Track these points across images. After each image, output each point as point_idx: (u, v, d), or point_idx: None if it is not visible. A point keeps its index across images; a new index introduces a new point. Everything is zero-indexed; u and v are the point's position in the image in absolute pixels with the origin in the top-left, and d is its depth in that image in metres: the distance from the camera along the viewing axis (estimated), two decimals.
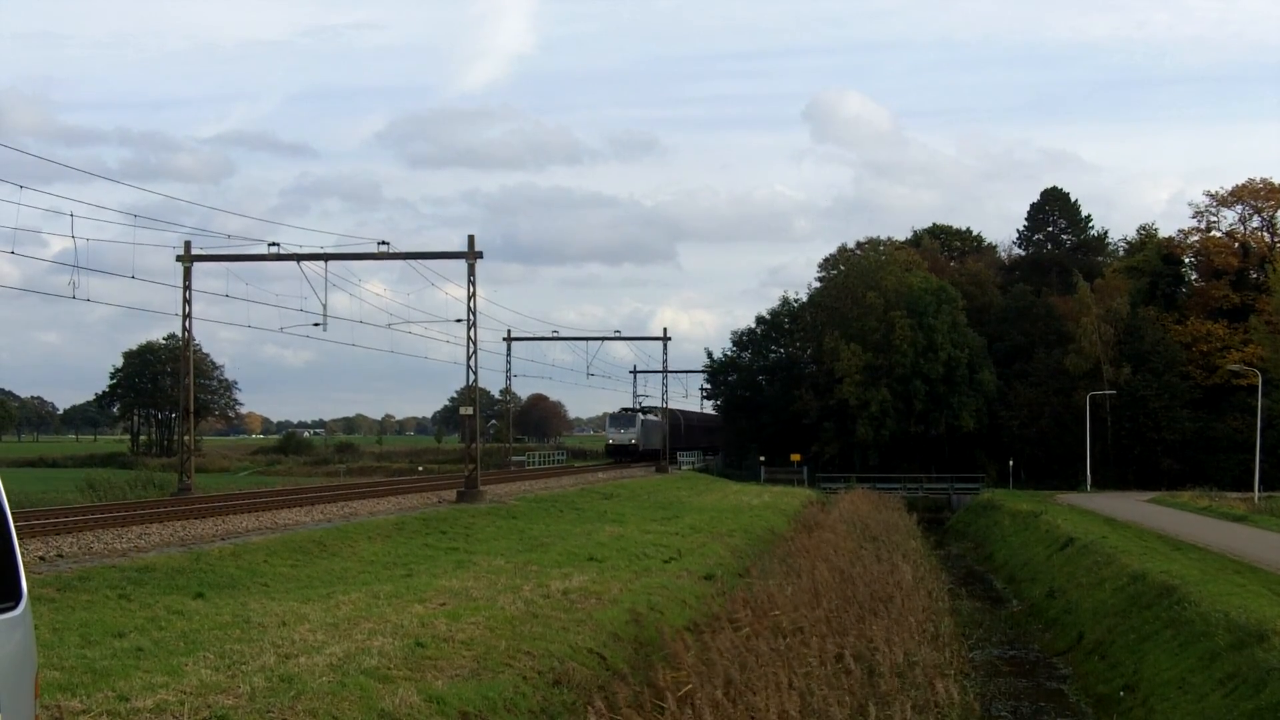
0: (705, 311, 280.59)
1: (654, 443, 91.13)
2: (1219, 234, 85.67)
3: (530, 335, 78.72)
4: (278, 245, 43.16)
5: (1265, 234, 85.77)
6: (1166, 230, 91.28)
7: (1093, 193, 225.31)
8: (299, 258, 43.37)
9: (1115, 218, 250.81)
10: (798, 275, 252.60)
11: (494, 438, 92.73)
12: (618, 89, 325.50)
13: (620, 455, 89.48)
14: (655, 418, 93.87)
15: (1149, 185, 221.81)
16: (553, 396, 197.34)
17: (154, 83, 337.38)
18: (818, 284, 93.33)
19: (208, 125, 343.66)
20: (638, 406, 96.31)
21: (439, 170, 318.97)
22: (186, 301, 43.76)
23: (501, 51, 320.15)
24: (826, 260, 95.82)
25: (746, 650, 16.32)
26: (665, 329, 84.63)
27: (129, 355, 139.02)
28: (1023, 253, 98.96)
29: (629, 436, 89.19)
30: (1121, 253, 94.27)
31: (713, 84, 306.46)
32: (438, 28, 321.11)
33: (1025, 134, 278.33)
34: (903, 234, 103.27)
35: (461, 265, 45.29)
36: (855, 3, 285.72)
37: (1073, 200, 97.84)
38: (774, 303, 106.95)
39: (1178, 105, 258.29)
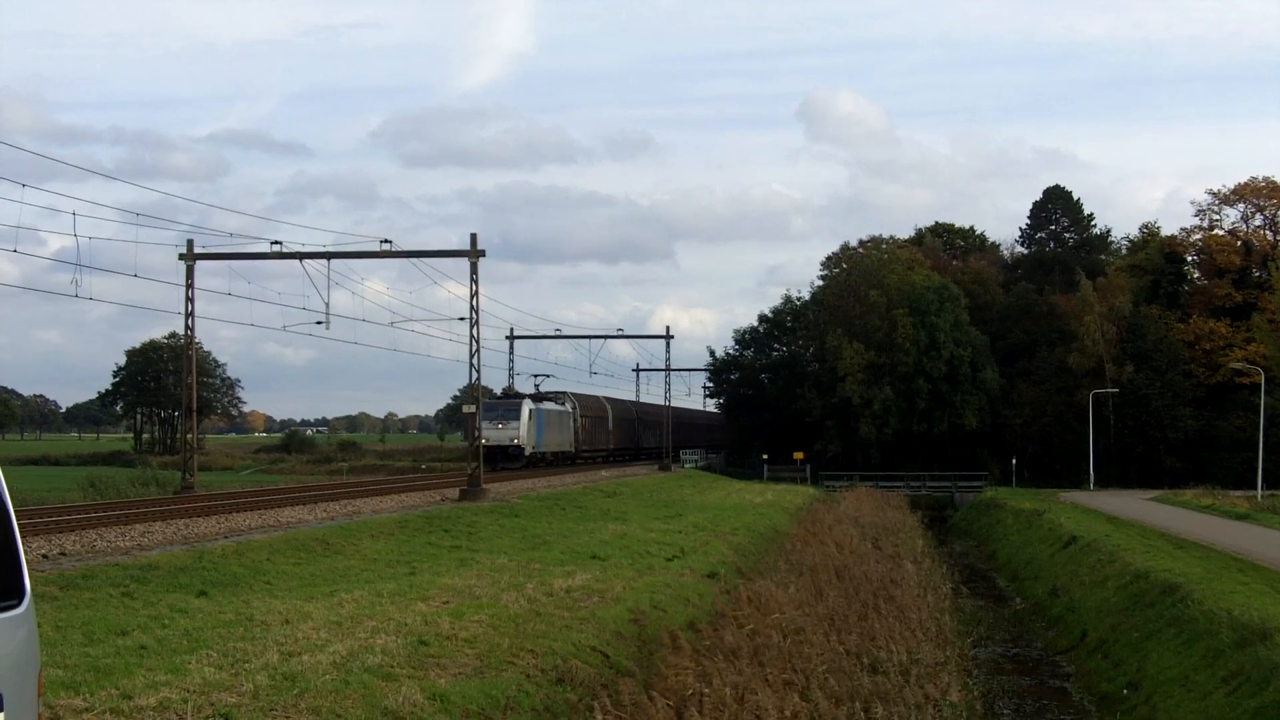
0: (705, 310, 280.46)
1: (558, 443, 69.89)
2: (1221, 232, 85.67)
3: (533, 333, 78.57)
4: (280, 243, 43.15)
5: (1268, 232, 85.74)
6: (1164, 229, 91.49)
7: (1088, 191, 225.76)
8: (301, 256, 43.35)
9: (1110, 216, 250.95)
10: (796, 274, 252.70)
11: None
12: (615, 88, 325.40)
13: (496, 461, 61.81)
14: (562, 407, 71.72)
15: (1144, 184, 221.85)
16: None
17: (153, 82, 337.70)
18: (820, 282, 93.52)
19: (207, 125, 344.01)
20: (535, 391, 70.85)
21: (434, 169, 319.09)
22: (189, 300, 43.76)
23: (500, 51, 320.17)
24: (829, 258, 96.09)
25: (750, 648, 16.32)
26: (668, 327, 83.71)
27: (131, 353, 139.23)
28: (1025, 251, 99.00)
29: (508, 434, 63.08)
30: (1124, 251, 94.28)
31: (711, 83, 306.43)
32: (437, 27, 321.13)
33: (1019, 133, 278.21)
34: (899, 232, 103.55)
35: (460, 263, 45.30)
36: (854, 2, 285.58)
37: (1075, 199, 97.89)
38: (773, 301, 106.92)
39: (1174, 105, 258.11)
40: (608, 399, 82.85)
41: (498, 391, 68.37)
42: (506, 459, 62.84)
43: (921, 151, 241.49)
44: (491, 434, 60.52)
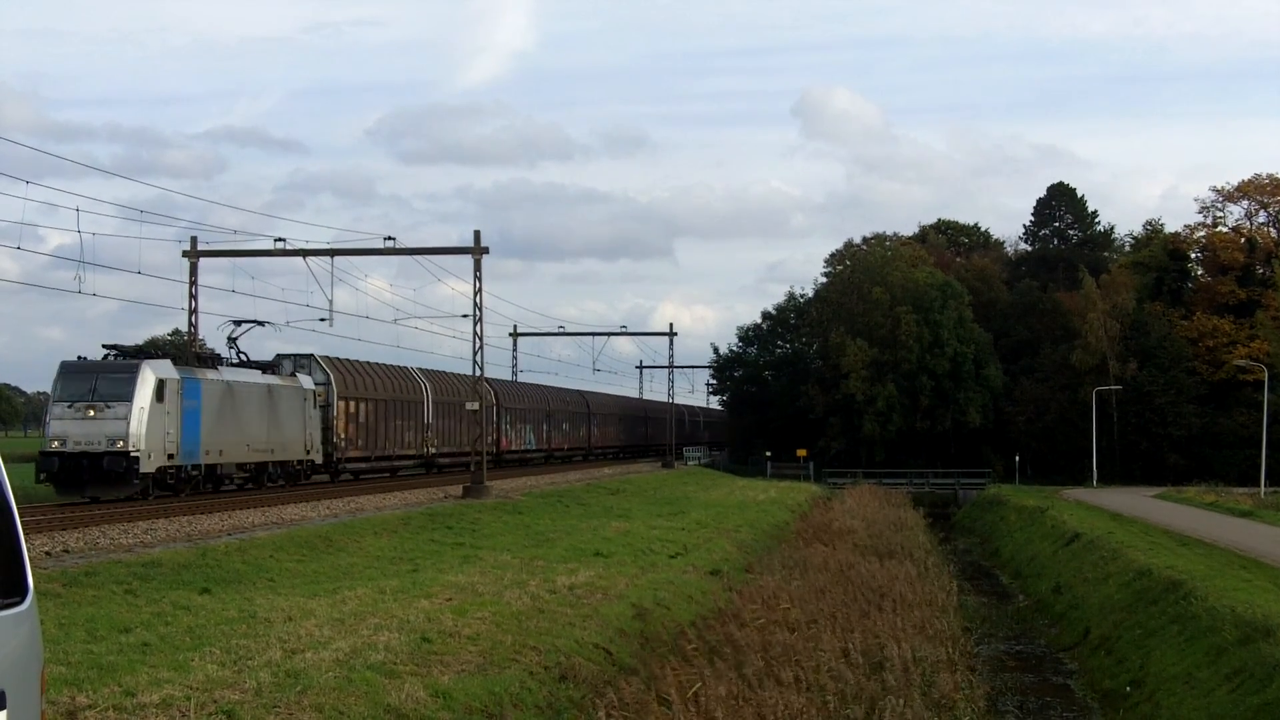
0: (705, 307, 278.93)
1: (265, 443, 39.37)
2: (1225, 229, 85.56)
3: (536, 330, 78.34)
4: (283, 240, 43.21)
5: (1271, 229, 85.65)
6: (1163, 225, 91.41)
7: (1087, 187, 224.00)
8: (305, 253, 43.36)
9: (1109, 212, 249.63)
10: (796, 271, 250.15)
11: None
12: (614, 86, 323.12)
13: (82, 484, 32.89)
14: (284, 381, 41.43)
15: (1143, 181, 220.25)
16: None
17: (155, 79, 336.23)
18: (823, 279, 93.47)
19: (208, 122, 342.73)
20: (230, 344, 41.39)
21: (431, 167, 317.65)
22: (193, 297, 43.75)
23: (502, 49, 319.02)
24: (832, 255, 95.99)
25: (753, 645, 16.33)
26: (671, 324, 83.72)
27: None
28: (1029, 248, 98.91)
29: (104, 430, 32.44)
30: (1127, 248, 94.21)
31: (710, 80, 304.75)
32: (439, 25, 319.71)
33: (1018, 130, 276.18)
34: (898, 228, 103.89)
35: (461, 260, 45.27)
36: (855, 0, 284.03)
37: (1079, 196, 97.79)
38: (773, 298, 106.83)
39: (1174, 101, 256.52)
40: (425, 371, 54.91)
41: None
42: (98, 482, 32.64)
43: (918, 148, 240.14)
44: (70, 429, 32.83)
